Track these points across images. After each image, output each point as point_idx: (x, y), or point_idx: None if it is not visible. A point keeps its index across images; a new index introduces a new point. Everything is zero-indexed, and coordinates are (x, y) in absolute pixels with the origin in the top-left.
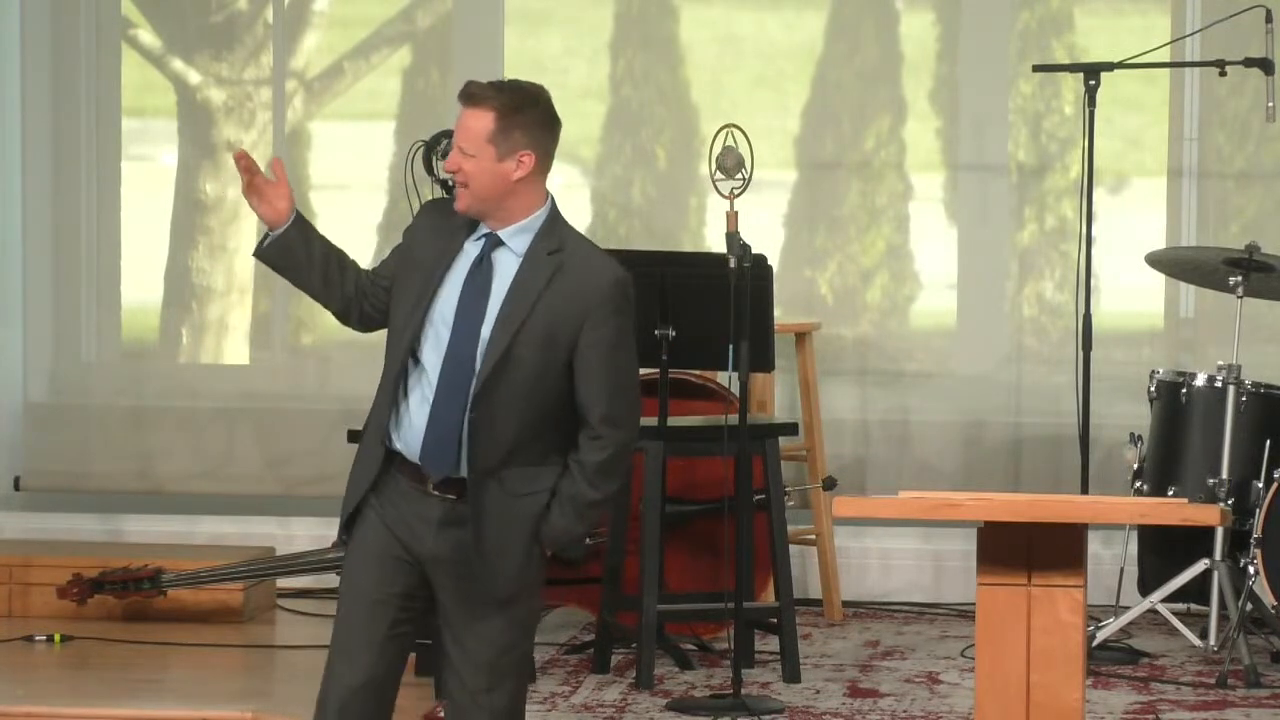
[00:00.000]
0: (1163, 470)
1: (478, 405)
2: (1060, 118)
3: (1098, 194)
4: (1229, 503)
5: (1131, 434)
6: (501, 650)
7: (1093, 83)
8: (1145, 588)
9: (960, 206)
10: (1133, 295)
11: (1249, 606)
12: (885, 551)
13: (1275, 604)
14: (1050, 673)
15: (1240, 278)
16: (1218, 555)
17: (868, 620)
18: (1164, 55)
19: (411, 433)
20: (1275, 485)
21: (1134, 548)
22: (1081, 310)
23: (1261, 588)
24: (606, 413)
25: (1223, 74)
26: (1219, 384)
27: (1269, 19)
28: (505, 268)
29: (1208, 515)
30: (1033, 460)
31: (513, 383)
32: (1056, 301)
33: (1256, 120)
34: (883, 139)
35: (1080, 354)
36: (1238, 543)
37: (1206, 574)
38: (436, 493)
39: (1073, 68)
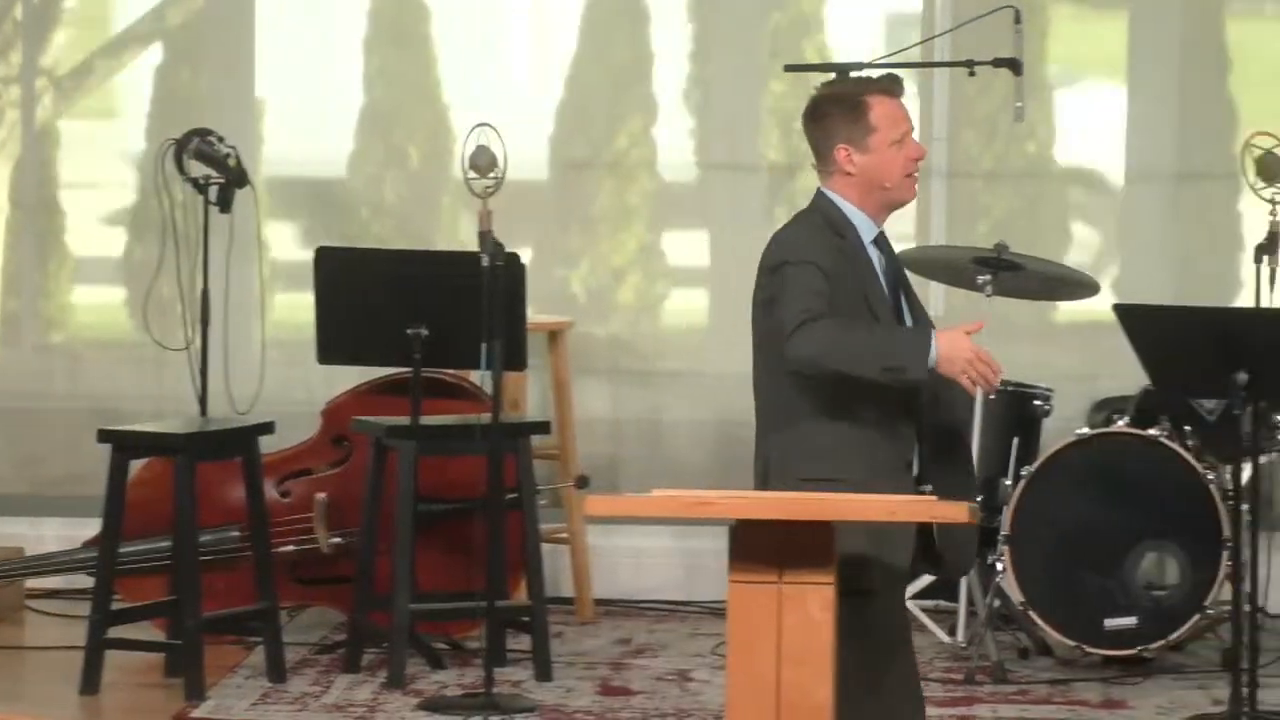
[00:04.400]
0: None
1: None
2: None
3: None
4: (978, 500)
5: None
6: None
7: None
8: None
9: (712, 206)
10: None
11: (997, 603)
12: (637, 550)
13: (1023, 601)
14: (801, 670)
15: (989, 277)
16: None
17: (620, 618)
18: (914, 55)
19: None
20: (1023, 483)
21: None
22: None
23: (1009, 585)
24: None
25: (972, 74)
26: None
27: (1018, 19)
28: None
29: (957, 512)
30: None
31: None
32: None
33: (1005, 120)
34: (635, 138)
35: None
36: (986, 540)
37: None
38: None
39: (824, 67)
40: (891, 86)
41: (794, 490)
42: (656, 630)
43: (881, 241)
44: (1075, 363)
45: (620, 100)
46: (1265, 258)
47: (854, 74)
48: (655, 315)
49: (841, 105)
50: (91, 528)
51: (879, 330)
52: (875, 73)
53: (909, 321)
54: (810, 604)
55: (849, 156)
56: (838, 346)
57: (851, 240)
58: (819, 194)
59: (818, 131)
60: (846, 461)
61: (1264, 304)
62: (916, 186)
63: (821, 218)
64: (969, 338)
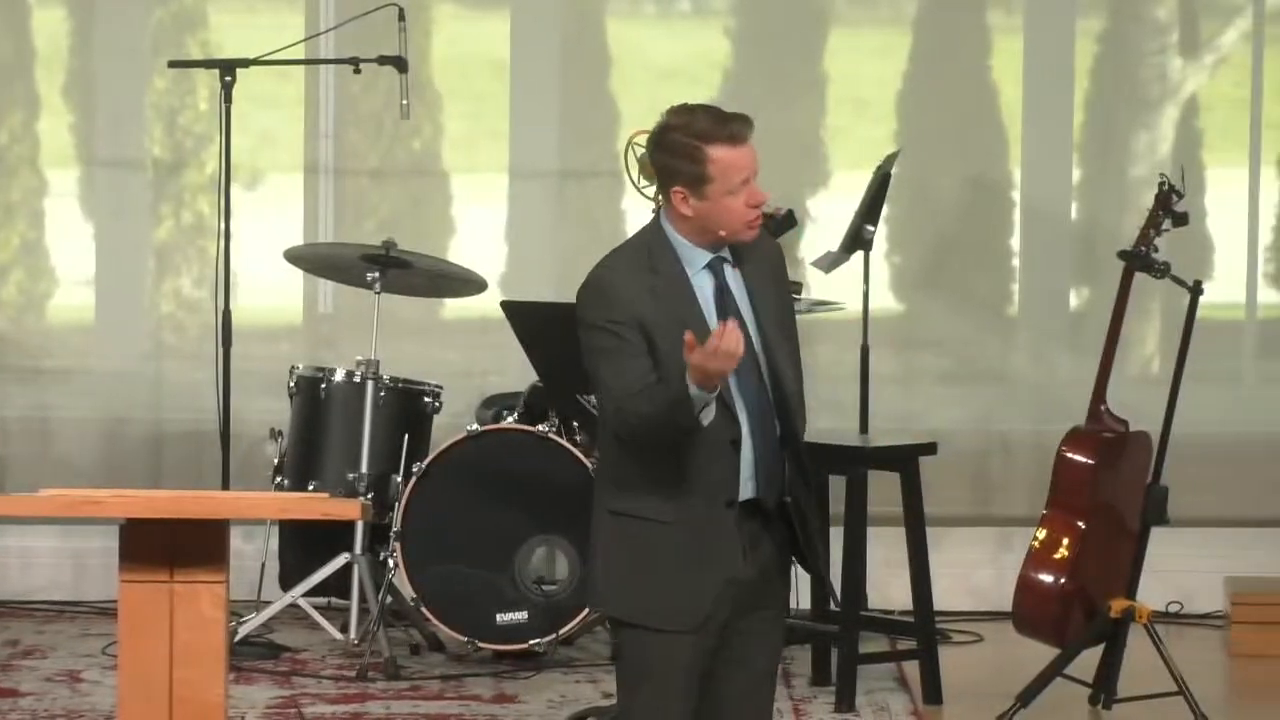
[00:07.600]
0: (303, 465)
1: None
2: (196, 114)
3: (235, 190)
4: (369, 496)
5: (272, 429)
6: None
7: (229, 79)
8: (287, 582)
9: (97, 202)
10: (272, 291)
11: (389, 600)
12: (25, 550)
13: (415, 597)
14: (193, 669)
15: (377, 274)
16: (358, 549)
17: (7, 620)
18: (299, 52)
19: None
20: (414, 480)
21: (275, 543)
22: (221, 306)
23: (401, 581)
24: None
25: (357, 71)
26: (357, 379)
27: (401, 17)
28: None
29: (347, 509)
30: (175, 457)
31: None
32: (195, 298)
33: (390, 118)
34: (16, 134)
35: (220, 350)
36: (378, 536)
37: (348, 568)
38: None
39: (209, 63)
40: (736, 133)
41: (605, 521)
42: (45, 631)
43: (716, 265)
44: (464, 359)
45: (1, 95)
46: None
47: (702, 107)
48: (40, 313)
49: (681, 150)
50: None
51: (656, 396)
52: (727, 106)
53: (756, 346)
54: (202, 602)
55: (684, 200)
56: (642, 429)
57: (666, 273)
58: (656, 219)
59: (657, 164)
60: (651, 496)
61: None
62: (757, 229)
63: (647, 251)
64: (706, 350)
